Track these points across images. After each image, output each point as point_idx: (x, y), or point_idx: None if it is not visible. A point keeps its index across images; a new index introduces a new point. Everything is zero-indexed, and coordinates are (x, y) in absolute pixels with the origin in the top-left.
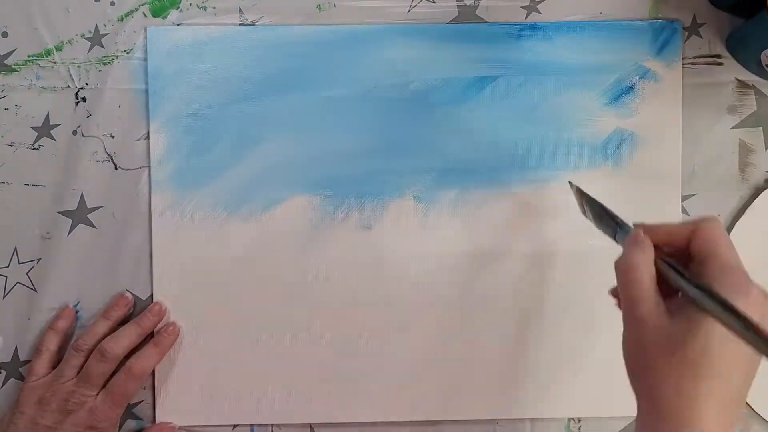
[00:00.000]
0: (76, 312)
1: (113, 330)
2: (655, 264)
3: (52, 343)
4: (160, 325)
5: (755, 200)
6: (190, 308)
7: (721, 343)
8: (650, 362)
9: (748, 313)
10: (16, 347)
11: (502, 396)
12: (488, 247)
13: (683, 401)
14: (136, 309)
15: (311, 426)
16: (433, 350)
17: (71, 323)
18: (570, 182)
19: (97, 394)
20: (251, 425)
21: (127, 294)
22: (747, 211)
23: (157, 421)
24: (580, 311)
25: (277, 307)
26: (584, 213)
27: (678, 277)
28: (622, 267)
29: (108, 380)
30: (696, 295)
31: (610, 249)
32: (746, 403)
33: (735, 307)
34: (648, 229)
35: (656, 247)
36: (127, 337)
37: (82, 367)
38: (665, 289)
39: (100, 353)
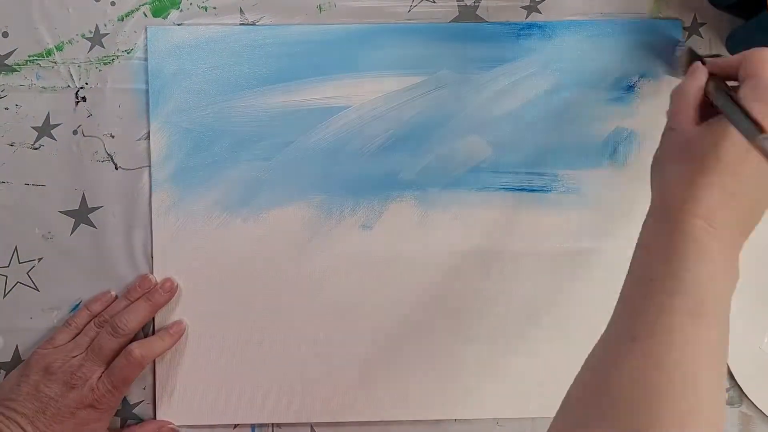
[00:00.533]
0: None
1: None
2: (707, 88)
3: (82, 322)
4: (168, 322)
5: None
6: (190, 308)
7: (732, 144)
8: (667, 159)
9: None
10: (17, 347)
11: (503, 395)
12: (489, 247)
13: (687, 189)
14: None
15: (311, 425)
16: (433, 349)
17: (106, 307)
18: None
19: (101, 376)
20: (252, 425)
21: (151, 276)
22: None
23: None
24: (582, 310)
25: (277, 306)
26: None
27: (714, 91)
28: (674, 90)
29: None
30: (718, 101)
31: (611, 249)
32: (750, 401)
33: (740, 102)
34: (709, 62)
35: (714, 75)
36: (139, 311)
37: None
38: (715, 112)
39: (111, 327)
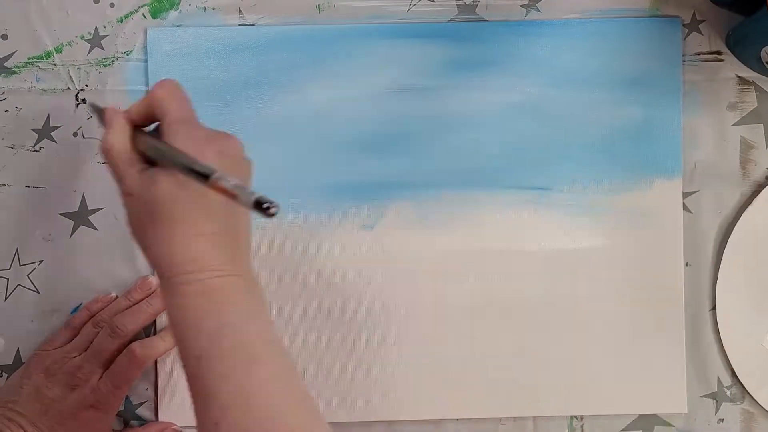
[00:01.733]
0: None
1: None
2: (135, 141)
3: (79, 323)
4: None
5: (758, 196)
6: None
7: (179, 187)
8: (141, 228)
9: (200, 153)
10: (18, 349)
11: (505, 394)
12: (489, 246)
13: (177, 249)
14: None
15: None
16: (434, 348)
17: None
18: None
19: (102, 376)
20: None
21: (151, 278)
22: (749, 207)
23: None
24: (583, 310)
25: (276, 306)
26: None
27: (142, 142)
28: (102, 148)
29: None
30: (152, 152)
31: (613, 248)
32: (753, 398)
33: (172, 146)
34: (124, 110)
35: (136, 126)
36: (139, 315)
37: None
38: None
39: (110, 328)
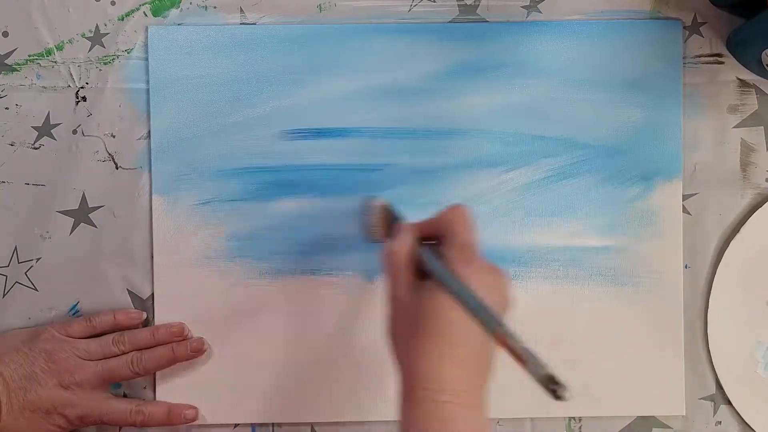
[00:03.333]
0: (77, 311)
1: (153, 346)
2: (418, 254)
3: (101, 324)
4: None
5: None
6: (190, 308)
7: (449, 309)
8: (400, 334)
9: (471, 280)
10: None
11: (503, 395)
12: (490, 246)
13: (426, 364)
14: (135, 306)
15: (312, 425)
16: None
17: (131, 325)
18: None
19: (85, 407)
20: (252, 424)
21: (185, 327)
22: (755, 214)
23: None
24: (581, 311)
25: (277, 305)
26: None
27: (425, 257)
28: (384, 253)
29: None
30: (431, 268)
31: (613, 250)
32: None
33: (448, 271)
34: (414, 224)
35: (420, 238)
36: (160, 358)
37: (106, 356)
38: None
39: (132, 362)
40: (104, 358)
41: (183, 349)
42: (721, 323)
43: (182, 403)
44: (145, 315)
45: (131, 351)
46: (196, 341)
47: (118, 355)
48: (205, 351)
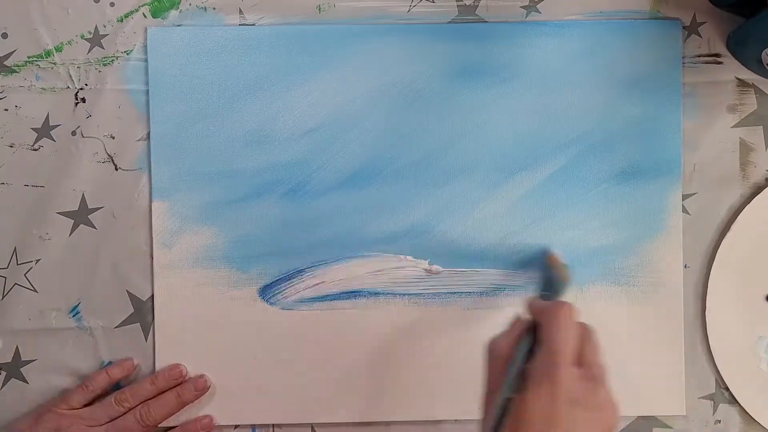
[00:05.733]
0: (77, 312)
1: (156, 395)
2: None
3: (99, 386)
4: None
5: (754, 199)
6: (190, 309)
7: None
8: (487, 422)
9: (548, 397)
10: (17, 348)
11: None
12: (490, 246)
13: None
14: (135, 310)
15: (312, 426)
16: (434, 350)
17: (126, 375)
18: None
19: None
20: (252, 425)
21: (182, 367)
22: (746, 208)
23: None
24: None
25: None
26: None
27: (516, 352)
28: (490, 346)
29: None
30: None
31: (612, 250)
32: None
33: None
34: (522, 320)
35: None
36: (168, 405)
37: (113, 418)
38: None
39: (141, 417)
40: (111, 420)
41: (188, 393)
42: (721, 321)
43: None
44: (137, 362)
45: (136, 405)
46: (199, 381)
47: (125, 413)
48: (209, 387)
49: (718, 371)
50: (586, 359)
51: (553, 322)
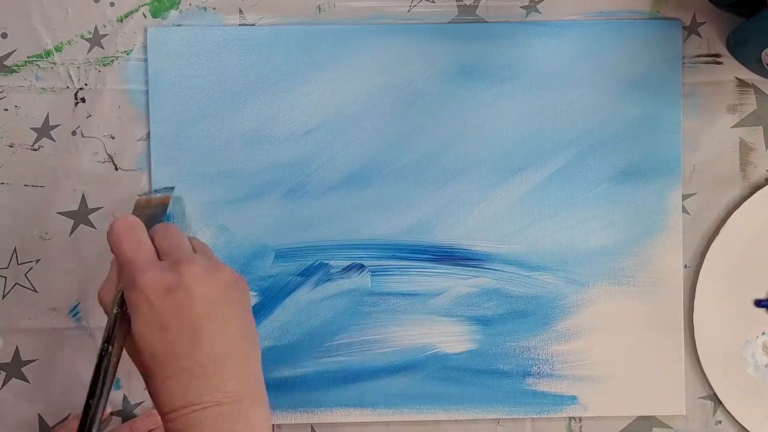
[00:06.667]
0: (77, 312)
1: None
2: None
3: None
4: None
5: (742, 204)
6: None
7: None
8: None
9: (142, 302)
10: (17, 348)
11: (504, 395)
12: (491, 245)
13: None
14: None
15: (312, 426)
16: (435, 350)
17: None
18: None
19: None
20: None
21: (154, 413)
22: (742, 206)
23: None
24: (581, 311)
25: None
26: None
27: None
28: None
29: None
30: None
31: (612, 250)
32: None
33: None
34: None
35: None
36: None
37: None
38: None
39: None
40: None
41: (140, 425)
42: (708, 325)
43: None
44: (110, 410)
45: None
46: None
47: None
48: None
49: (705, 375)
50: (172, 252)
51: (114, 236)
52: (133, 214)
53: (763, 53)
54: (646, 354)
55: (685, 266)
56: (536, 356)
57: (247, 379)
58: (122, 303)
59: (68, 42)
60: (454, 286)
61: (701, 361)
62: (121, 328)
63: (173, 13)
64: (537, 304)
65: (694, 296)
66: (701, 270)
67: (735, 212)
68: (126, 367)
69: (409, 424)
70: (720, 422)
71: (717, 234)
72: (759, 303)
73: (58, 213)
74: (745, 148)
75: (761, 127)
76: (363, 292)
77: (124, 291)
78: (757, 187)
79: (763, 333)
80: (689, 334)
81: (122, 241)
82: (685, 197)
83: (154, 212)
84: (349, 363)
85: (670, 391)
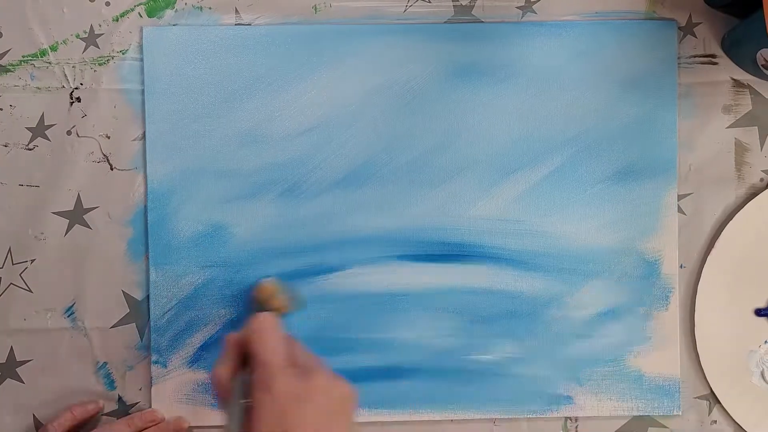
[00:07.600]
0: (72, 312)
1: None
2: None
3: (62, 429)
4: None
5: (751, 201)
6: (187, 308)
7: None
8: None
9: (272, 405)
10: (11, 348)
11: (500, 395)
12: (487, 245)
13: None
14: (130, 311)
15: None
16: (433, 350)
17: (92, 416)
18: None
19: None
20: None
21: (157, 412)
22: (741, 210)
23: None
24: (579, 311)
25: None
26: None
27: (234, 389)
28: (211, 374)
29: None
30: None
31: (609, 250)
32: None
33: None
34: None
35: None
36: None
37: None
38: None
39: None
40: None
41: (137, 420)
42: (711, 335)
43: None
44: (102, 403)
45: None
46: (177, 422)
47: None
48: (187, 428)
49: (702, 375)
50: (298, 359)
51: (257, 334)
52: (267, 304)
53: (758, 54)
54: (643, 354)
55: (681, 266)
56: (532, 356)
57: None
58: (245, 393)
59: (63, 41)
60: (449, 286)
61: (701, 362)
62: (240, 415)
63: (169, 12)
64: (532, 303)
65: (690, 296)
66: (700, 280)
67: (729, 222)
68: (121, 368)
69: (405, 424)
70: (715, 422)
71: (715, 240)
72: (759, 312)
73: (53, 213)
74: (740, 149)
75: (756, 127)
76: (359, 292)
77: (247, 382)
78: (753, 188)
79: (766, 341)
80: (687, 333)
81: (267, 342)
82: (680, 197)
83: (280, 308)
84: (345, 363)
85: (666, 390)
